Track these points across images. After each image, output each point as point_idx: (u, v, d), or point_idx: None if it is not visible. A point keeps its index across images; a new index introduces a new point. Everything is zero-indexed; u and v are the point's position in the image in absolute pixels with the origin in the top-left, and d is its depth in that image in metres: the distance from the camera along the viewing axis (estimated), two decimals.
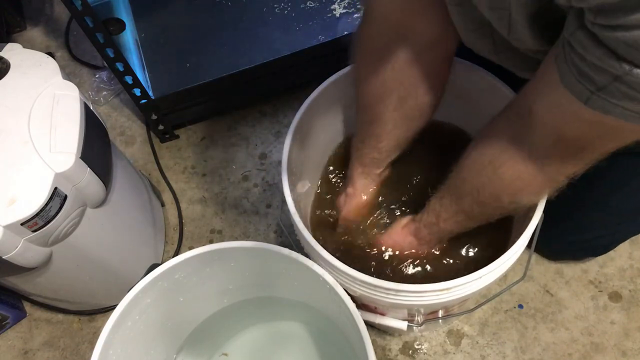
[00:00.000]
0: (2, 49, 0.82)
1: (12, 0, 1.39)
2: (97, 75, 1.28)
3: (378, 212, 0.77)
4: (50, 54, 1.00)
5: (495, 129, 0.57)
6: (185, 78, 1.07)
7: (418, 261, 0.72)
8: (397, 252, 0.72)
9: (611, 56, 0.36)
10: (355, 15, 1.08)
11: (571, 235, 0.85)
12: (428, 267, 0.72)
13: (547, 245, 0.88)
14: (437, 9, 0.57)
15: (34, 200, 0.69)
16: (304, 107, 0.73)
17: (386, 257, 0.73)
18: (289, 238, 0.73)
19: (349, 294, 0.63)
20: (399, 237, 0.72)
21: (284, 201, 0.67)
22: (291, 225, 0.67)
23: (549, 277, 0.95)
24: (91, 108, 0.81)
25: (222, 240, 1.03)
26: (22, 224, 0.68)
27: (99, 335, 0.63)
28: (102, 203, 0.82)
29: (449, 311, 0.74)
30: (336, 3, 1.09)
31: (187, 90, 1.06)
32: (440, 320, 0.80)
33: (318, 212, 0.81)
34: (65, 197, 0.72)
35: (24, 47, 0.83)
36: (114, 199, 0.85)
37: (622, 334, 0.89)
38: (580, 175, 0.54)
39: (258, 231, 1.06)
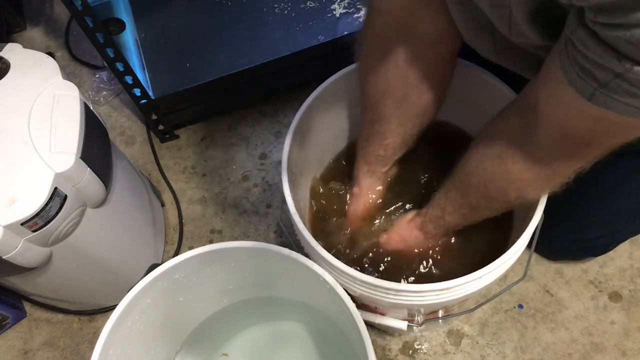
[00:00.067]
0: (2, 49, 0.82)
1: (12, 0, 1.39)
2: (97, 75, 1.28)
3: (384, 211, 0.77)
4: (50, 54, 1.00)
5: (501, 123, 0.57)
6: (185, 78, 1.07)
7: (419, 261, 0.72)
8: (402, 249, 0.72)
9: (612, 54, 0.36)
10: (355, 15, 1.08)
11: (571, 235, 0.85)
12: (428, 266, 0.72)
13: (547, 245, 0.88)
14: (439, 6, 0.57)
15: (34, 200, 0.69)
16: (304, 107, 0.73)
17: (389, 257, 0.73)
18: (289, 238, 0.73)
19: (349, 294, 0.63)
20: (404, 231, 0.72)
21: (284, 201, 0.67)
22: (291, 225, 0.67)
23: (549, 277, 0.95)
24: (91, 108, 0.81)
25: (222, 240, 1.03)
26: (22, 224, 0.68)
27: (99, 335, 0.63)
28: (102, 203, 0.82)
29: (449, 311, 0.74)
30: (336, 3, 1.09)
31: (187, 90, 1.06)
32: (440, 320, 0.80)
33: (318, 212, 0.81)
34: (65, 197, 0.72)
35: (24, 47, 0.83)
36: (114, 199, 0.85)
37: (622, 334, 0.89)
38: (581, 176, 0.54)
39: (258, 231, 1.06)
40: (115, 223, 0.88)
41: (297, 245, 0.70)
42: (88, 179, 0.76)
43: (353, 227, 0.77)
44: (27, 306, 1.04)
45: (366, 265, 0.73)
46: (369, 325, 0.68)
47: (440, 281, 0.59)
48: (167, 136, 1.17)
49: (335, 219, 0.79)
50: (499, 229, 0.73)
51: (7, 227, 0.68)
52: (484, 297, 0.76)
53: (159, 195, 1.10)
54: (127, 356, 0.68)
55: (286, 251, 0.66)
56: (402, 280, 0.72)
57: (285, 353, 0.89)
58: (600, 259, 0.95)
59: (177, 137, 1.18)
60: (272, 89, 1.16)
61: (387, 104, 0.67)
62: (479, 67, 0.72)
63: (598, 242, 0.86)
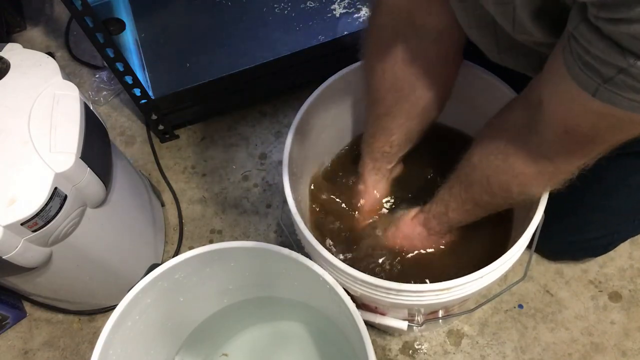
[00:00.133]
0: (2, 49, 0.82)
1: (12, 0, 1.39)
2: (97, 75, 1.28)
3: (388, 208, 0.77)
4: (50, 54, 1.00)
5: (506, 118, 0.57)
6: (185, 78, 1.07)
7: (419, 261, 0.72)
8: (405, 246, 0.72)
9: (615, 49, 0.36)
10: (355, 15, 1.08)
11: (571, 235, 0.85)
12: (428, 267, 0.72)
13: (547, 245, 0.88)
14: (444, 0, 0.57)
15: (34, 200, 0.69)
16: (305, 107, 0.73)
17: (391, 256, 0.73)
18: (289, 238, 0.73)
19: (349, 294, 0.63)
20: (408, 228, 0.72)
21: (284, 201, 0.67)
22: (292, 225, 0.67)
23: (549, 277, 0.95)
24: (91, 108, 0.81)
25: (222, 240, 1.03)
26: (22, 224, 0.68)
27: (99, 335, 0.63)
28: (102, 203, 0.82)
29: (449, 311, 0.74)
30: (336, 3, 1.09)
31: (187, 90, 1.06)
32: (440, 320, 0.80)
33: (319, 212, 0.81)
34: (65, 197, 0.72)
35: (24, 47, 0.83)
36: (114, 199, 0.85)
37: (622, 334, 0.89)
38: (580, 176, 0.54)
39: (258, 231, 1.06)
40: (115, 223, 0.88)
41: (297, 245, 0.70)
42: (88, 179, 0.75)
43: (356, 224, 0.77)
44: (27, 306, 1.04)
45: (371, 267, 0.73)
46: (369, 325, 0.68)
47: (440, 281, 0.59)
48: (167, 136, 1.17)
49: (336, 218, 0.79)
50: (500, 229, 0.73)
51: (7, 227, 0.68)
52: (484, 297, 0.76)
53: (159, 195, 1.10)
54: (127, 356, 0.68)
55: (286, 251, 0.66)
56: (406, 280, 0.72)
57: (285, 353, 0.89)
58: (600, 259, 0.95)
59: (177, 137, 1.18)
60: (272, 89, 1.16)
61: (394, 98, 0.67)
62: (480, 67, 0.72)
63: (598, 242, 0.86)
